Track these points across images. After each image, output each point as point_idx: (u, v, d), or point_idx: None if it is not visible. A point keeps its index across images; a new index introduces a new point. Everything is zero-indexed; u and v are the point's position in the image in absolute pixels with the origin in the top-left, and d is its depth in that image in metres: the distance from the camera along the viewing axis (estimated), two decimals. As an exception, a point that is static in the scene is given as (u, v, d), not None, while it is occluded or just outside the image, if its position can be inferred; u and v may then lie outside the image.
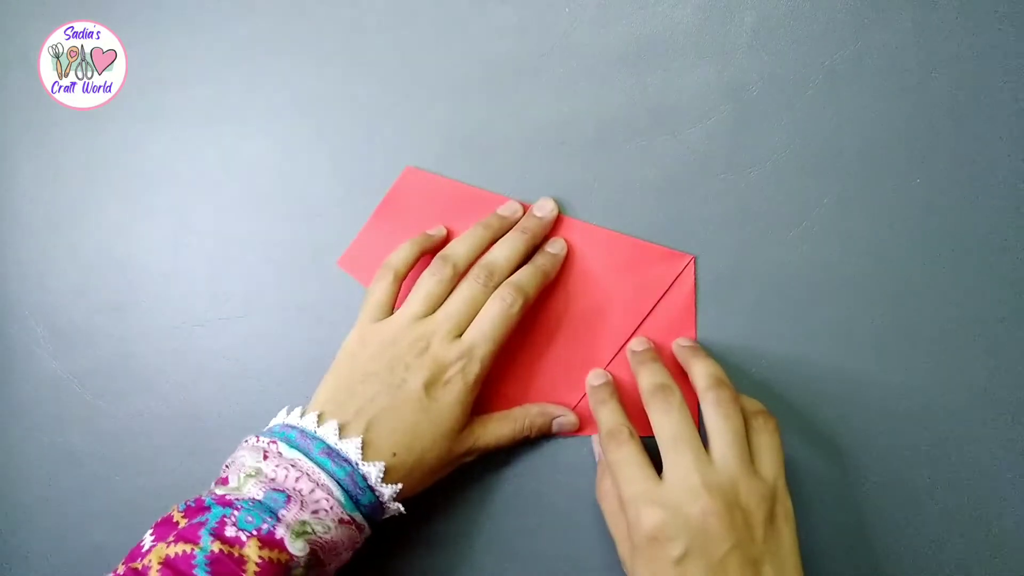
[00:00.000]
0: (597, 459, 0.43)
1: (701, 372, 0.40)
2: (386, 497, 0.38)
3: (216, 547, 0.33)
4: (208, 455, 0.47)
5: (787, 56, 0.44)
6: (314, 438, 0.37)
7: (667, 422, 0.38)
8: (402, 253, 0.43)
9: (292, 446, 0.37)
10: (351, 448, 0.37)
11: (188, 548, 0.33)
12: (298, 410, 0.39)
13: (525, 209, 0.45)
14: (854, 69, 0.44)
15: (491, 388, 0.44)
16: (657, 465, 0.38)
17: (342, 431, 0.38)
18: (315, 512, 0.35)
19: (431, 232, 0.45)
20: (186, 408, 0.48)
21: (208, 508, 0.35)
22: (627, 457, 0.38)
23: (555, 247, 0.44)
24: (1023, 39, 0.43)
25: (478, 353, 0.40)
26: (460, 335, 0.40)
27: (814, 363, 0.43)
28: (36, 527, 0.48)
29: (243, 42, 0.48)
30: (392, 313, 0.42)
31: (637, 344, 0.43)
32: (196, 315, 0.48)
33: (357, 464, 0.37)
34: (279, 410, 0.47)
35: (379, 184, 0.47)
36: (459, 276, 0.42)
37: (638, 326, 0.44)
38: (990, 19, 0.43)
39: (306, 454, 0.37)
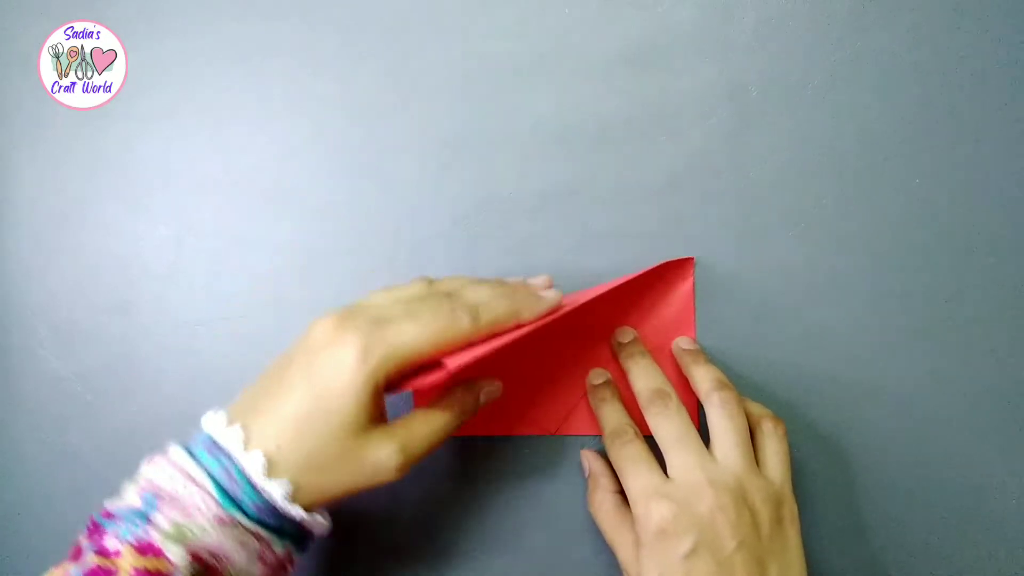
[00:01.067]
0: (586, 473, 0.43)
1: (704, 375, 0.40)
2: (277, 498, 0.33)
3: (94, 561, 0.31)
4: (208, 455, 0.47)
5: (787, 56, 0.44)
6: (200, 432, 0.34)
7: (667, 425, 0.38)
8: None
9: (180, 445, 0.34)
10: (232, 438, 0.33)
11: (70, 568, 0.31)
12: (211, 415, 0.36)
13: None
14: (854, 69, 0.44)
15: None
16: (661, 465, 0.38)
17: (229, 423, 0.34)
18: (188, 513, 0.32)
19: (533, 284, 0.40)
20: (186, 408, 0.47)
21: (99, 525, 0.33)
22: (634, 454, 0.38)
23: (549, 294, 0.38)
24: (1023, 39, 0.43)
25: (390, 336, 0.33)
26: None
27: (813, 364, 0.43)
28: (36, 527, 0.48)
29: (243, 42, 0.48)
30: None
31: (623, 335, 0.43)
32: (196, 315, 0.48)
33: (232, 456, 0.33)
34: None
35: (379, 184, 0.47)
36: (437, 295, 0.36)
37: (638, 326, 0.44)
38: (989, 19, 0.43)
39: (188, 450, 0.34)
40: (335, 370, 0.32)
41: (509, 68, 0.46)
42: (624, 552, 0.38)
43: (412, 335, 0.33)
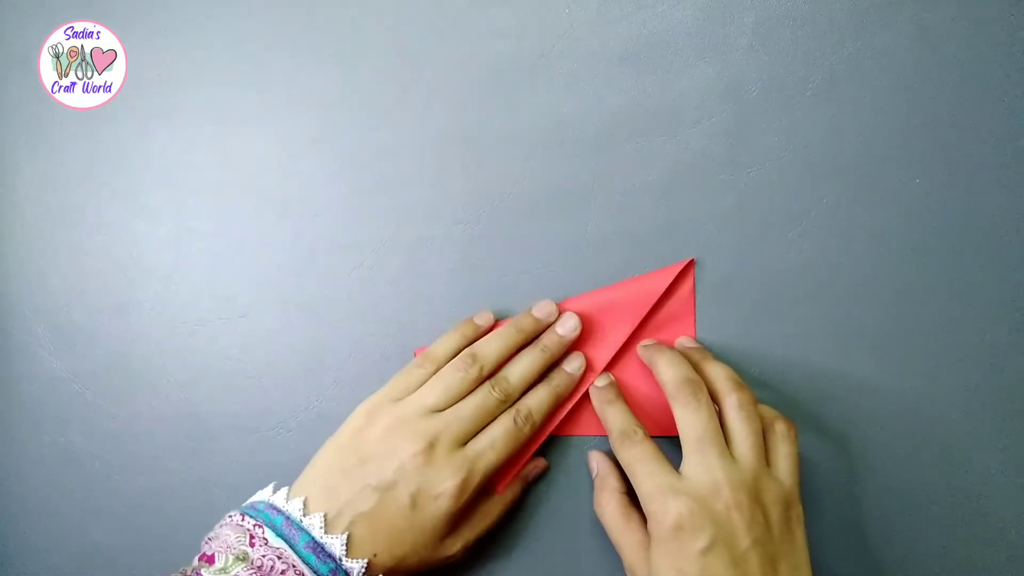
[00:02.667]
0: (593, 474, 0.43)
1: (720, 375, 0.40)
2: None
3: None
4: (208, 455, 0.47)
5: (787, 56, 0.44)
6: (300, 528, 0.37)
7: (695, 420, 0.38)
8: (447, 344, 0.43)
9: (278, 534, 0.37)
10: (336, 545, 0.37)
11: None
12: (284, 491, 0.39)
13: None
14: (854, 69, 0.44)
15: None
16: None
17: (328, 525, 0.38)
18: None
19: (478, 321, 0.44)
20: (186, 408, 0.48)
21: None
22: (644, 454, 0.38)
23: (572, 365, 0.43)
24: (1022, 38, 0.43)
25: (480, 466, 0.40)
26: (464, 442, 0.40)
27: (813, 363, 0.43)
28: (36, 527, 0.48)
29: (243, 42, 0.48)
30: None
31: (647, 340, 0.44)
32: (196, 315, 0.48)
33: (341, 560, 0.37)
34: (279, 408, 0.47)
35: (379, 184, 0.47)
36: (483, 379, 0.42)
37: (638, 326, 0.44)
38: (989, 19, 0.43)
39: (291, 545, 0.37)
40: (434, 502, 0.39)
41: (509, 68, 0.46)
42: (630, 553, 0.38)
43: (494, 462, 0.40)
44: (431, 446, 0.39)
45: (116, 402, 0.48)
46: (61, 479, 0.48)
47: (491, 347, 0.42)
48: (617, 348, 0.44)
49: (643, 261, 0.45)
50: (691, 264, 0.44)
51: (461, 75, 0.46)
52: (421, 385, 0.42)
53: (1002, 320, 0.42)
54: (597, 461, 0.43)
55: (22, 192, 0.49)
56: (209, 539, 0.38)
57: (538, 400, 0.42)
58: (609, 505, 0.41)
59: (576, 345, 0.44)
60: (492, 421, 0.41)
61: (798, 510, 0.38)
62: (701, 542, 0.35)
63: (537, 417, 0.42)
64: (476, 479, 0.39)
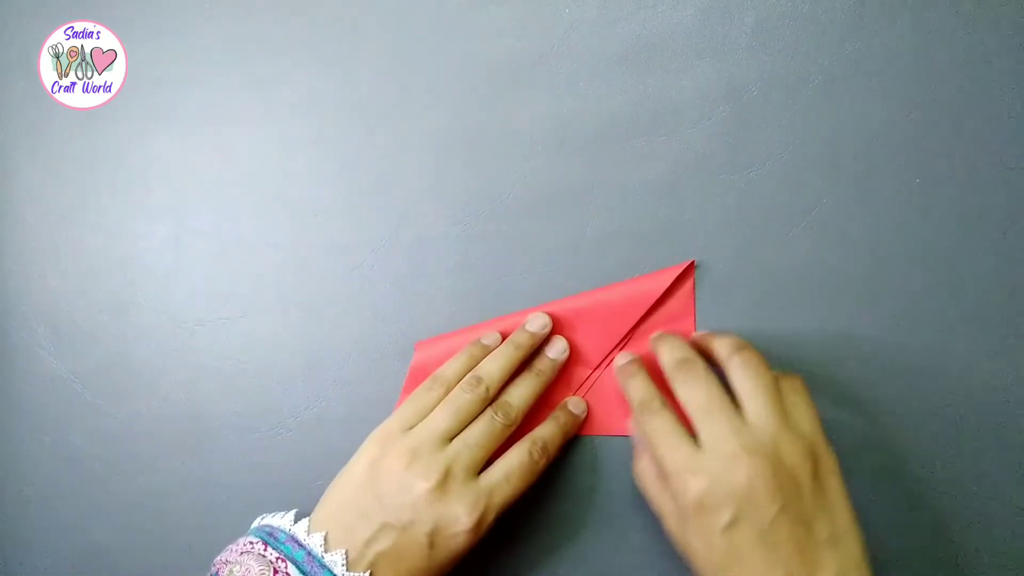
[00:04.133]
0: (634, 442, 0.43)
1: (722, 342, 0.39)
2: None
3: None
4: (208, 455, 0.47)
5: (787, 56, 0.44)
6: (321, 565, 0.37)
7: (694, 392, 0.37)
8: (456, 365, 0.43)
9: (300, 570, 0.37)
10: None
11: None
12: (304, 523, 0.39)
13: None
14: (854, 69, 0.44)
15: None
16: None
17: (349, 564, 0.38)
18: None
19: (486, 341, 0.44)
20: (186, 408, 0.48)
21: None
22: (662, 427, 0.38)
23: (578, 408, 0.44)
24: (1022, 38, 0.43)
25: (495, 501, 0.39)
26: (478, 472, 0.40)
27: (813, 363, 0.43)
28: (36, 527, 0.48)
29: (243, 42, 0.48)
30: None
31: (657, 332, 0.44)
32: (196, 315, 0.48)
33: None
34: (279, 408, 0.47)
35: (379, 184, 0.47)
36: (491, 399, 0.42)
37: (637, 326, 0.44)
38: (989, 19, 0.43)
39: None
40: (451, 540, 0.38)
41: (509, 68, 0.46)
42: (670, 521, 0.38)
43: (509, 496, 0.40)
44: (444, 479, 0.39)
45: (116, 402, 0.48)
46: (61, 479, 0.48)
47: (494, 367, 0.42)
48: (619, 347, 0.44)
49: (643, 261, 0.45)
50: (691, 264, 0.44)
51: (461, 75, 0.46)
52: (432, 409, 0.41)
53: (1002, 319, 0.42)
54: (634, 429, 0.43)
55: (22, 192, 0.49)
56: (227, 562, 0.38)
57: (550, 433, 0.42)
58: (647, 474, 0.40)
59: (576, 344, 0.44)
60: (505, 449, 0.41)
61: (828, 459, 0.36)
62: (724, 518, 0.34)
63: (551, 450, 0.42)
64: (492, 515, 0.39)
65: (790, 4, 0.44)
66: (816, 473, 0.35)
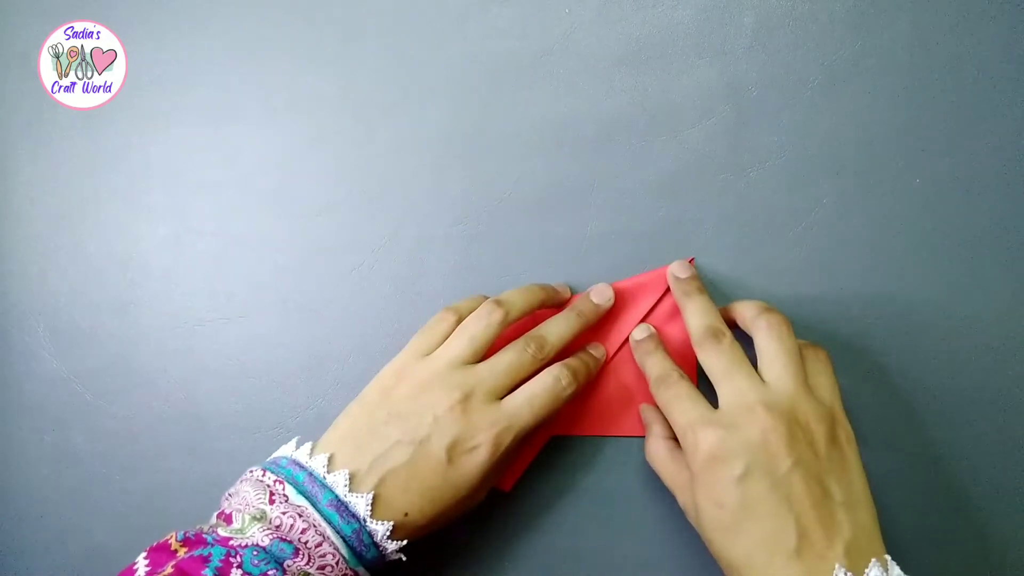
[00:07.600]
0: (645, 421, 0.43)
1: (747, 305, 0.39)
2: (390, 551, 0.37)
3: None
4: (208, 455, 0.47)
5: (787, 56, 0.44)
6: (323, 486, 0.36)
7: (718, 358, 0.37)
8: (470, 300, 0.42)
9: (299, 491, 0.36)
10: (360, 504, 0.36)
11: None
12: (308, 446, 0.38)
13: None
14: (854, 69, 0.44)
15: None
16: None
17: (353, 482, 0.36)
18: (321, 568, 0.35)
19: (557, 287, 0.43)
20: (186, 407, 0.48)
21: (209, 545, 0.34)
22: (679, 393, 0.38)
23: (600, 351, 0.43)
24: (1022, 38, 0.43)
25: (517, 423, 0.38)
26: (499, 397, 0.38)
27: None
28: (36, 527, 0.48)
29: (243, 42, 0.48)
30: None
31: (680, 270, 0.42)
32: (196, 315, 0.48)
33: (365, 520, 0.36)
34: (279, 408, 0.47)
35: (379, 184, 0.47)
36: (508, 325, 0.40)
37: (637, 326, 0.44)
38: (989, 19, 0.43)
39: (313, 503, 0.35)
40: (469, 455, 0.37)
41: (509, 68, 0.46)
42: (682, 494, 0.38)
43: (530, 421, 0.38)
44: (466, 397, 0.37)
45: (116, 402, 0.48)
46: (61, 479, 0.48)
47: (516, 296, 0.41)
48: (617, 346, 0.44)
49: (643, 261, 0.45)
50: (691, 264, 0.44)
51: (461, 75, 0.46)
52: (446, 338, 0.40)
53: (1002, 319, 0.42)
54: (645, 411, 0.43)
55: (22, 192, 0.49)
56: (229, 495, 0.37)
57: (583, 364, 0.41)
58: (658, 452, 0.40)
59: (576, 343, 0.44)
60: (528, 378, 0.39)
61: (846, 429, 0.36)
62: (736, 469, 0.34)
63: (580, 380, 0.40)
64: (511, 435, 0.37)
65: (790, 4, 0.44)
66: (833, 438, 0.35)
